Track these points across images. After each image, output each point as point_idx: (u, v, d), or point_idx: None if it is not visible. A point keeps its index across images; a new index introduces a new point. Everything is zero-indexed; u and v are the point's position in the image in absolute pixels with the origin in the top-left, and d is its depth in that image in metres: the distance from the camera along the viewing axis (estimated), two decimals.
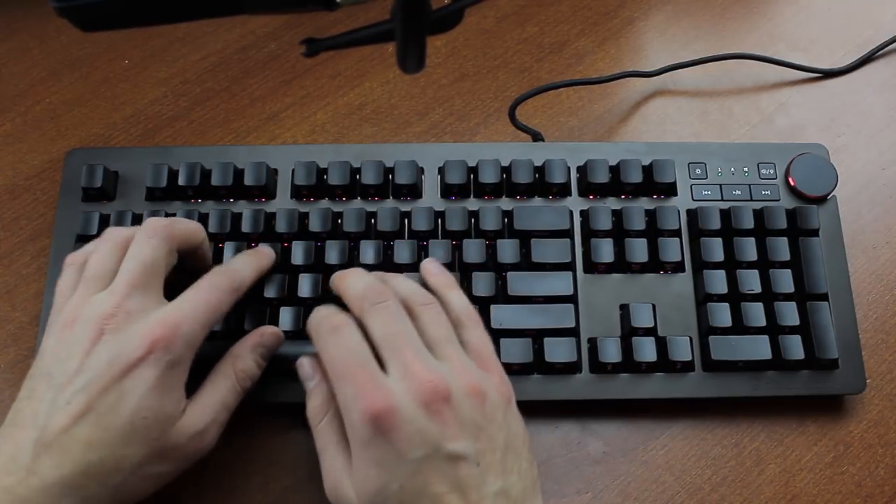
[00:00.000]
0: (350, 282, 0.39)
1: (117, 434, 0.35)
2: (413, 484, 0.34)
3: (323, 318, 0.38)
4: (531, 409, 0.44)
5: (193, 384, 0.38)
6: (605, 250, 0.47)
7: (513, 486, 0.35)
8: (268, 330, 0.42)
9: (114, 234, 0.40)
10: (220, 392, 0.39)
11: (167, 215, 0.47)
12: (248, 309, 0.45)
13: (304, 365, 0.40)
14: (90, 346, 0.35)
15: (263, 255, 0.44)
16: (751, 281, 0.46)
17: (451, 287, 0.41)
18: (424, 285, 0.41)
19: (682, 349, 0.45)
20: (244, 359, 0.40)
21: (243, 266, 0.42)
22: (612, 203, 0.49)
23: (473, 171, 0.49)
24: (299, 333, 0.44)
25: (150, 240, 0.38)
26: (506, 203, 0.48)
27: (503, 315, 0.45)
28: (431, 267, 0.43)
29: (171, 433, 0.36)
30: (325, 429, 0.38)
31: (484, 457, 0.35)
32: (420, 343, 0.37)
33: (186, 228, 0.41)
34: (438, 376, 0.35)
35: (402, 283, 0.40)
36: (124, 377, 0.35)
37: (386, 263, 0.46)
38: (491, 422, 0.36)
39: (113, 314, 0.36)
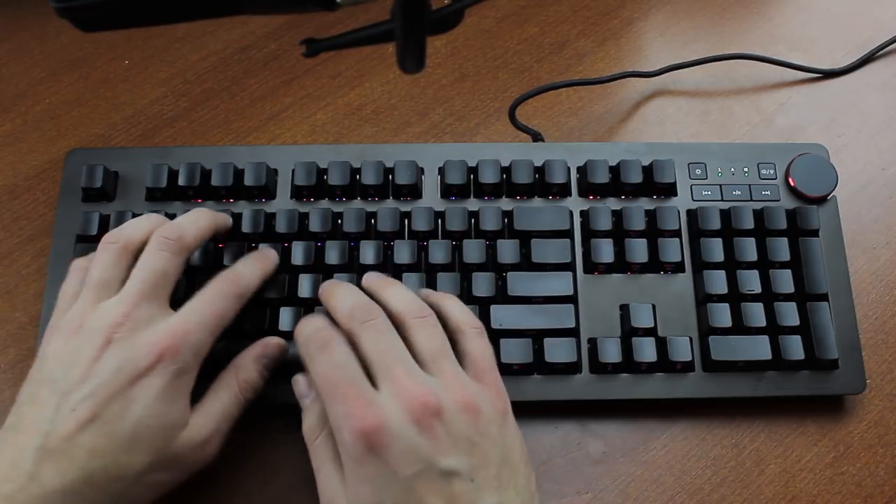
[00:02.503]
0: (338, 301, 0.39)
1: (122, 442, 0.35)
2: (407, 501, 0.34)
3: (312, 333, 0.38)
4: (531, 410, 0.44)
5: (195, 389, 0.39)
6: (605, 250, 0.47)
7: (509, 500, 0.35)
8: (272, 341, 0.42)
9: (115, 238, 0.40)
10: (223, 402, 0.39)
11: (167, 216, 0.47)
12: (248, 309, 0.45)
13: (300, 383, 0.40)
14: (97, 354, 0.35)
15: (267, 258, 0.44)
16: (751, 281, 0.46)
17: (450, 297, 0.41)
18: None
19: (682, 349, 0.45)
20: (247, 369, 0.40)
21: (248, 271, 0.42)
22: (612, 203, 0.49)
23: (473, 171, 0.49)
24: None
25: (162, 252, 0.39)
26: (506, 203, 0.48)
27: (503, 315, 0.45)
28: (425, 291, 0.43)
29: (175, 442, 0.36)
30: (321, 446, 0.38)
31: (478, 472, 0.35)
32: (410, 359, 0.37)
33: (197, 235, 0.41)
34: (429, 392, 0.35)
35: (398, 293, 0.40)
36: (132, 386, 0.35)
37: (386, 264, 0.46)
38: (485, 437, 0.35)
39: (121, 323, 0.36)
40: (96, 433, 0.34)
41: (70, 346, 0.36)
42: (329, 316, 0.39)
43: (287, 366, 0.43)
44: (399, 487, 0.34)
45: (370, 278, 0.42)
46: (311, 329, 0.38)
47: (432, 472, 0.34)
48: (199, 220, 0.42)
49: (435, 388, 0.35)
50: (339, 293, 0.39)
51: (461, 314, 0.40)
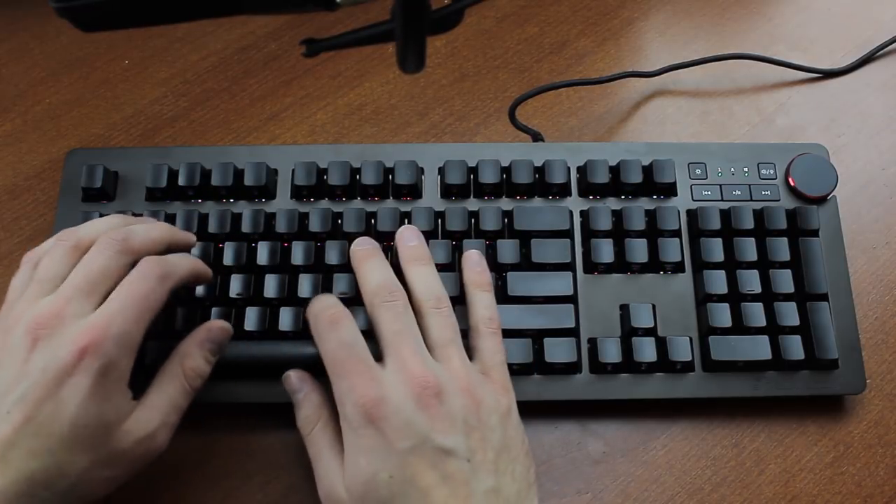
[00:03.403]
0: (367, 273, 0.40)
1: (59, 442, 0.34)
2: (402, 474, 0.34)
3: (321, 310, 0.38)
4: (531, 409, 0.44)
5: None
6: (605, 250, 0.47)
7: (506, 486, 0.36)
8: (216, 324, 0.40)
9: (69, 236, 0.39)
10: (168, 393, 0.38)
11: (167, 216, 0.47)
12: (248, 309, 0.45)
13: (291, 378, 0.40)
14: (27, 354, 0.35)
15: (202, 263, 0.42)
16: (751, 281, 0.46)
17: (483, 287, 0.42)
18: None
19: (682, 349, 0.45)
20: (193, 357, 0.39)
21: (176, 258, 0.39)
22: (612, 203, 0.49)
23: (473, 171, 0.49)
24: (299, 334, 0.44)
25: (105, 251, 0.37)
26: (506, 203, 0.48)
27: (503, 315, 0.44)
28: (473, 259, 0.44)
29: (116, 439, 0.35)
30: (317, 436, 0.38)
31: (475, 454, 0.35)
32: (420, 343, 0.38)
33: (146, 240, 0.39)
34: (431, 373, 0.36)
35: (424, 277, 0.41)
36: (60, 386, 0.34)
37: None
38: (484, 424, 0.36)
39: (48, 320, 0.35)
40: (32, 435, 0.34)
41: (5, 345, 0.35)
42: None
43: (282, 365, 0.43)
44: (394, 460, 0.34)
45: (405, 242, 0.42)
46: (321, 306, 0.39)
47: (428, 449, 0.35)
48: (152, 229, 0.40)
49: (438, 371, 0.37)
50: (370, 266, 0.41)
51: (483, 311, 0.41)
